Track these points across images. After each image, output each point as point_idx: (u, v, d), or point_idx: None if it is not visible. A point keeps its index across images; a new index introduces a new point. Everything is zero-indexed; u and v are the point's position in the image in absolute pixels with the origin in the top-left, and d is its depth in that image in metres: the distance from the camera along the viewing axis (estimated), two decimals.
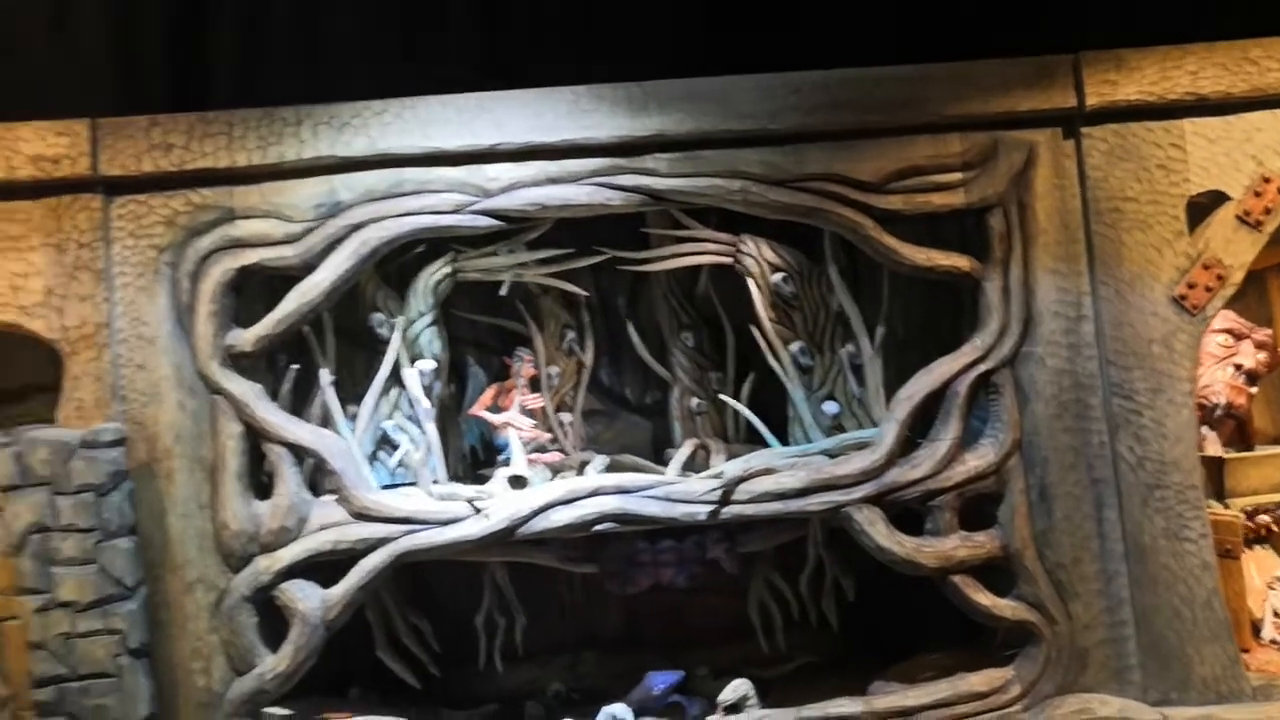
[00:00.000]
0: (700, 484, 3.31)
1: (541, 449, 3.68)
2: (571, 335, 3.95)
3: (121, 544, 3.12)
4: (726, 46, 3.72)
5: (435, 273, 3.62)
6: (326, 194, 3.31)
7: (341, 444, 3.38)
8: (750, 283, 3.63)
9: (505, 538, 3.30)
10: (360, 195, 3.32)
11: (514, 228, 3.47)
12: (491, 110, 3.31)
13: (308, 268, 3.32)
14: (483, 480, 3.62)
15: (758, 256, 3.63)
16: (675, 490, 3.32)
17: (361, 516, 3.28)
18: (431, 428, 3.56)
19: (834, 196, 3.38)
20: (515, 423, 3.65)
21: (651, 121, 3.32)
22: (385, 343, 3.58)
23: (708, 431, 3.86)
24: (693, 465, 3.64)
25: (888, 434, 3.38)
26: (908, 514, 3.41)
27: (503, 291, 3.69)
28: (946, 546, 3.35)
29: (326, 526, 3.29)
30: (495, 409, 3.73)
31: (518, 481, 3.46)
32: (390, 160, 3.31)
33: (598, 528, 3.31)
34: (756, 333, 3.63)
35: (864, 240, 3.42)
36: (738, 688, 3.45)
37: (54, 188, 3.25)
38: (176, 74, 3.75)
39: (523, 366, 3.78)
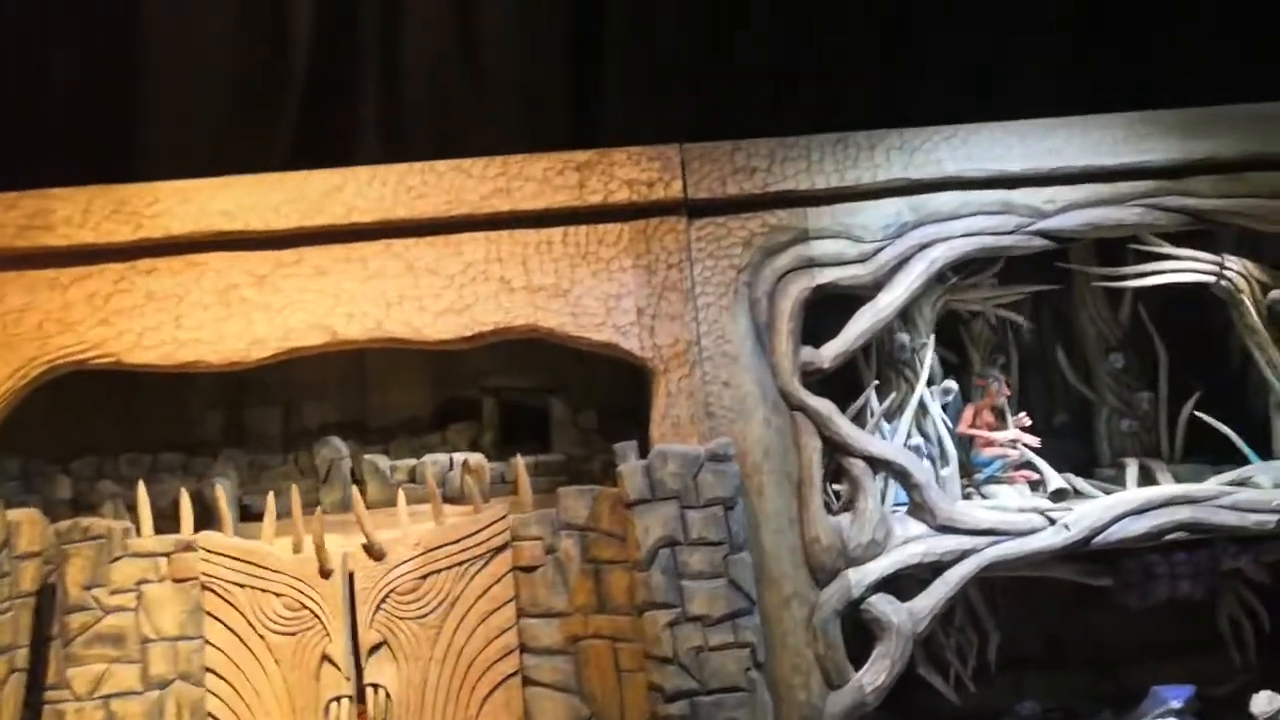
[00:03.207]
0: (1272, 494, 3.40)
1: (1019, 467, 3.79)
2: (1002, 360, 4.08)
3: (745, 557, 3.14)
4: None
5: (938, 300, 3.75)
6: (894, 215, 3.43)
7: (918, 458, 3.45)
8: (1244, 299, 3.75)
9: (1081, 548, 3.37)
10: (925, 216, 3.43)
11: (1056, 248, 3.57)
12: (1052, 136, 3.46)
13: (877, 286, 3.42)
14: (967, 497, 3.72)
15: (1247, 275, 3.77)
16: (1242, 499, 3.41)
17: (946, 529, 3.34)
18: (952, 446, 3.67)
19: None
20: (1025, 440, 3.76)
21: (1202, 145, 3.48)
22: (903, 363, 3.69)
23: (1137, 451, 3.96)
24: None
25: None
26: None
27: (994, 321, 3.90)
28: None
29: (909, 540, 3.34)
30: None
31: (1060, 494, 3.54)
32: (955, 183, 3.44)
33: (1169, 537, 3.39)
34: (1253, 347, 3.73)
35: None
36: (1273, 699, 3.50)
37: (644, 210, 3.35)
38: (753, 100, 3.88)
39: (1000, 387, 3.90)
